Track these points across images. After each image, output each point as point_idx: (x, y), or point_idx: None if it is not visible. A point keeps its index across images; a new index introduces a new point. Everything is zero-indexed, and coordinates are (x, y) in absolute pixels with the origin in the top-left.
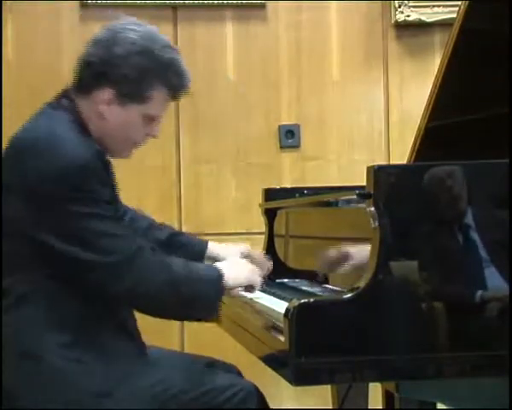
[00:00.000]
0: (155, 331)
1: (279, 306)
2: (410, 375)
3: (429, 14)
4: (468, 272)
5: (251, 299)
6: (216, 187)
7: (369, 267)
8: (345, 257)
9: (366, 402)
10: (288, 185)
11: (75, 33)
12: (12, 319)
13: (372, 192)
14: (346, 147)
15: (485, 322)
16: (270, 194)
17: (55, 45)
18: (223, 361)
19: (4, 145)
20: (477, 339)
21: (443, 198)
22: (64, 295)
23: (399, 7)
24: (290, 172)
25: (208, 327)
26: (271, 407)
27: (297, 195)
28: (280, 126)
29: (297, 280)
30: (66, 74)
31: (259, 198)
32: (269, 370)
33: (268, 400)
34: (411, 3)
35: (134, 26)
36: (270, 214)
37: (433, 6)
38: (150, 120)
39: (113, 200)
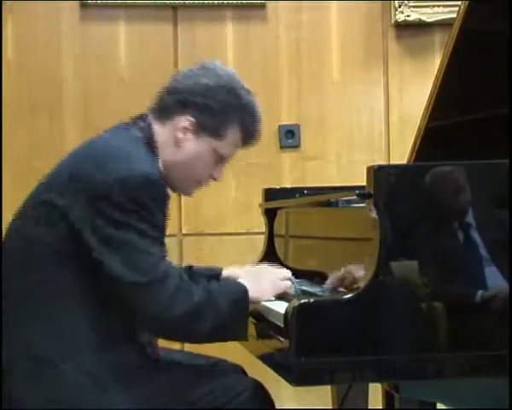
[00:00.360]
0: None
1: (279, 306)
2: (410, 375)
3: (429, 14)
4: (468, 272)
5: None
6: (216, 187)
7: (369, 268)
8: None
9: (366, 402)
10: (288, 185)
11: (75, 33)
12: (30, 320)
13: (372, 192)
14: (346, 147)
15: (485, 322)
16: (270, 194)
17: (55, 45)
18: (228, 361)
19: (4, 145)
20: (477, 339)
21: (443, 198)
22: (88, 305)
23: (399, 7)
24: (290, 173)
25: None
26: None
27: (297, 195)
28: (280, 126)
29: (297, 280)
30: (66, 74)
31: (259, 198)
32: (269, 370)
33: None
34: (411, 3)
35: (220, 65)
36: (270, 214)
37: (433, 6)
38: (218, 159)
39: (162, 226)
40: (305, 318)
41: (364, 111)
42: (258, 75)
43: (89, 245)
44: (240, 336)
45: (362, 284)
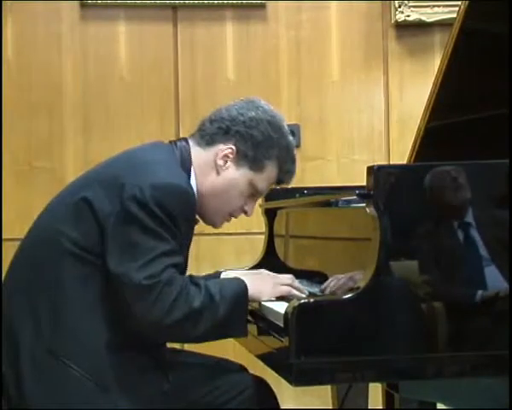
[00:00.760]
0: None
1: (279, 306)
2: (410, 375)
3: (429, 14)
4: (468, 273)
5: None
6: None
7: (369, 267)
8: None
9: (366, 402)
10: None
11: (75, 33)
12: (42, 314)
13: (372, 192)
14: (346, 147)
15: (485, 322)
16: (270, 194)
17: (55, 45)
18: (230, 360)
19: (4, 145)
20: (477, 339)
21: (443, 198)
22: (100, 305)
23: (399, 7)
24: None
25: None
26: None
27: (297, 195)
28: None
29: (297, 280)
30: (66, 74)
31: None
32: (269, 370)
33: None
34: (411, 3)
35: (266, 104)
36: (270, 214)
37: (433, 6)
38: (253, 192)
39: (185, 243)
40: (305, 318)
41: (364, 111)
42: (258, 75)
43: (106, 240)
44: (239, 333)
45: (362, 284)
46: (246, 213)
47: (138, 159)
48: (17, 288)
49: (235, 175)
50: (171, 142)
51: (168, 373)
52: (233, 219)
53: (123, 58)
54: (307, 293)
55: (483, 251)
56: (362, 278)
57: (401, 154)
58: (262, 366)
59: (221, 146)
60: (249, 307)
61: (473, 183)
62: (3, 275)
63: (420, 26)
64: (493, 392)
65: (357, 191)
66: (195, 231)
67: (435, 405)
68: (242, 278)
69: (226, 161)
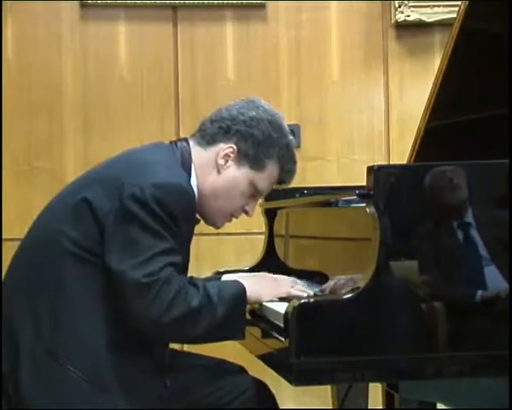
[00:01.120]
0: None
1: (279, 306)
2: (410, 375)
3: (429, 14)
4: (468, 273)
5: None
6: None
7: (369, 267)
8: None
9: (366, 402)
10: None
11: (75, 33)
12: (42, 314)
13: (372, 192)
14: (346, 147)
15: (485, 322)
16: (270, 194)
17: (55, 45)
18: (230, 361)
19: (4, 145)
20: (477, 339)
21: (443, 198)
22: (101, 306)
23: (399, 7)
24: None
25: None
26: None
27: (297, 195)
28: None
29: (297, 280)
30: (66, 74)
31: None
32: (269, 370)
33: None
34: (411, 3)
35: (266, 103)
36: (270, 214)
37: (433, 6)
38: (254, 192)
39: (184, 240)
40: (305, 318)
41: (364, 111)
42: (258, 75)
43: (105, 239)
44: (237, 335)
45: (362, 284)
46: (247, 213)
47: (138, 159)
48: (17, 288)
49: (236, 174)
50: (171, 142)
51: (168, 374)
52: (233, 219)
53: (123, 58)
54: (311, 293)
55: (483, 251)
56: (362, 278)
57: (401, 154)
58: (262, 367)
59: (222, 145)
60: (250, 308)
61: (473, 183)
62: (3, 275)
63: (420, 26)
64: (493, 392)
65: (357, 191)
66: (195, 232)
67: (435, 405)
68: (242, 280)
69: (227, 161)
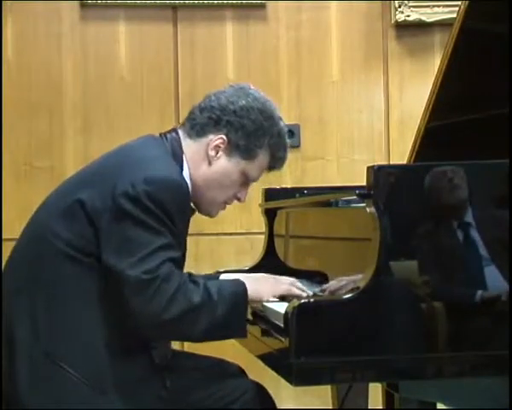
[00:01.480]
0: None
1: (279, 306)
2: (410, 375)
3: (429, 14)
4: (468, 273)
5: None
6: None
7: (369, 267)
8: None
9: (366, 402)
10: (288, 185)
11: (75, 33)
12: (40, 315)
13: (372, 192)
14: (346, 147)
15: (485, 322)
16: (270, 194)
17: (55, 45)
18: (229, 362)
19: (4, 145)
20: (477, 339)
21: (443, 198)
22: (99, 307)
23: (399, 7)
24: (290, 172)
25: None
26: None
27: (297, 195)
28: None
29: (297, 281)
30: (66, 74)
31: (259, 198)
32: (269, 370)
33: None
34: (411, 3)
35: (254, 88)
36: (270, 214)
37: (433, 6)
38: (245, 181)
39: (180, 234)
40: (305, 318)
41: (364, 111)
42: (258, 75)
43: (101, 239)
44: (238, 333)
45: (362, 284)
46: (239, 199)
47: (129, 156)
48: (15, 285)
49: (227, 165)
50: (161, 134)
51: (168, 375)
52: (233, 219)
53: (123, 58)
54: (310, 293)
55: (483, 251)
56: (362, 278)
57: (401, 154)
58: (261, 367)
59: (212, 136)
60: (251, 309)
61: (473, 183)
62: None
63: (420, 26)
64: (493, 392)
65: (357, 191)
66: (195, 231)
67: (435, 405)
68: (242, 279)
69: (217, 152)
